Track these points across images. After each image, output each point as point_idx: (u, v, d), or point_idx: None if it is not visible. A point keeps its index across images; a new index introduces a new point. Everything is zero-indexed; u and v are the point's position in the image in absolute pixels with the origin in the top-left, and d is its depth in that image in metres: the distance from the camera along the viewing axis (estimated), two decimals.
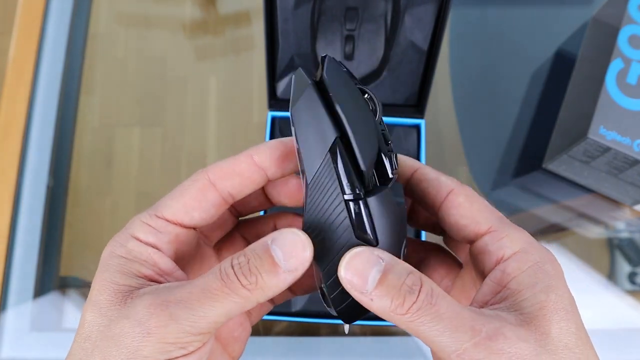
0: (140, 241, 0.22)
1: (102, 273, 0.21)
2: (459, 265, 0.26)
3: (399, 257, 0.22)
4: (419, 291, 0.19)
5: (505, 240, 0.21)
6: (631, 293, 0.52)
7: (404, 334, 0.49)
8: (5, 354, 0.49)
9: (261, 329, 0.50)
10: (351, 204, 0.21)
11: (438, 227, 0.26)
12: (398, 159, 0.24)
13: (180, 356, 0.19)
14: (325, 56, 0.22)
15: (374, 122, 0.22)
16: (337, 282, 0.21)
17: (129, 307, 0.19)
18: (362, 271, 0.20)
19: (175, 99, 0.58)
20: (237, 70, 0.60)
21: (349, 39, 0.45)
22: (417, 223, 0.27)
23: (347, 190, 0.21)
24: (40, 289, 0.52)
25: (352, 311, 0.23)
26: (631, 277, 0.52)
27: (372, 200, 0.21)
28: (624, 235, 0.54)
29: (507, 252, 0.21)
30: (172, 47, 0.61)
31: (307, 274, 0.23)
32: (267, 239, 0.20)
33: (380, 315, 0.20)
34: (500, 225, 0.22)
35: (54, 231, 0.54)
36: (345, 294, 0.21)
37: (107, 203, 0.55)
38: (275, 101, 0.49)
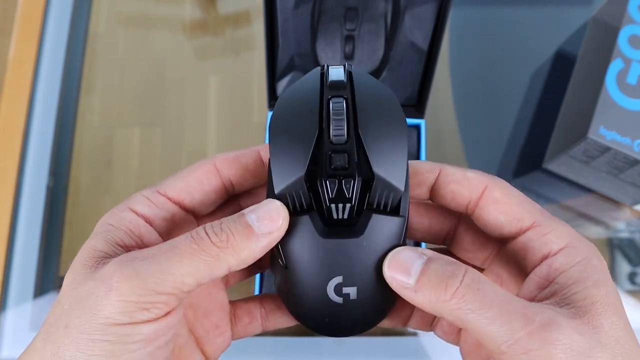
0: (135, 212, 0.21)
1: (89, 240, 0.21)
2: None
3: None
4: (463, 276, 0.18)
5: (550, 236, 0.20)
6: (631, 293, 0.52)
7: (405, 334, 0.49)
8: (5, 354, 0.49)
9: None
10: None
11: (440, 237, 0.25)
12: (413, 165, 0.23)
13: (145, 320, 0.18)
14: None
15: (304, 145, 0.21)
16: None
17: (98, 269, 0.19)
18: (404, 265, 0.19)
19: (175, 99, 0.58)
20: (237, 70, 0.60)
21: (349, 39, 0.45)
22: (417, 235, 0.26)
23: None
24: (40, 289, 0.52)
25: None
26: (631, 277, 0.52)
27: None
28: (624, 235, 0.54)
29: (554, 248, 0.20)
30: (172, 47, 0.61)
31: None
32: (245, 210, 0.20)
33: (427, 311, 0.19)
34: (543, 219, 0.21)
35: (54, 231, 0.54)
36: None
37: (107, 203, 0.55)
38: (276, 101, 0.49)
